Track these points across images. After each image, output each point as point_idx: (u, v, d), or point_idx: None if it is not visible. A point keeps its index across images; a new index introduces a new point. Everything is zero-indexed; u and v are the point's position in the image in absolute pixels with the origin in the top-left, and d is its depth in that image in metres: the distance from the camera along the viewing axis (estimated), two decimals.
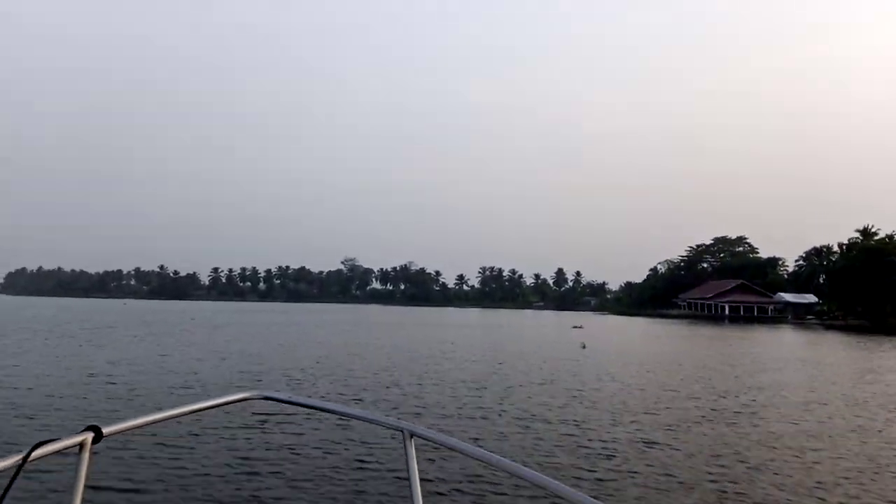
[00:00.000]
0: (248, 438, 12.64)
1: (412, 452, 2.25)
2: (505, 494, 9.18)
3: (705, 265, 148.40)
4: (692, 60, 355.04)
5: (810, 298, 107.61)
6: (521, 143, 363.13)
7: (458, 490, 9.37)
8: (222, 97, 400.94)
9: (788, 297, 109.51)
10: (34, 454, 1.69)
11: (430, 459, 10.53)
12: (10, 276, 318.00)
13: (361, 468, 10.73)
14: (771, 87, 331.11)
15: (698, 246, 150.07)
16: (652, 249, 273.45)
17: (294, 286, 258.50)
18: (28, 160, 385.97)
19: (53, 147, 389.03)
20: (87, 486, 1.83)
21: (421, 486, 2.24)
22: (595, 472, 10.96)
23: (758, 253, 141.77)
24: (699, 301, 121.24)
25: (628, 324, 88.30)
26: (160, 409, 2.16)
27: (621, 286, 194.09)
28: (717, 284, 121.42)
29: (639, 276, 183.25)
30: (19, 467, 1.66)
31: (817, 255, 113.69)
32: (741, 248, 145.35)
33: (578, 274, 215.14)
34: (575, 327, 68.45)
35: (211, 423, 13.35)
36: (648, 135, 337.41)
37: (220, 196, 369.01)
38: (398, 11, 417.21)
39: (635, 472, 10.94)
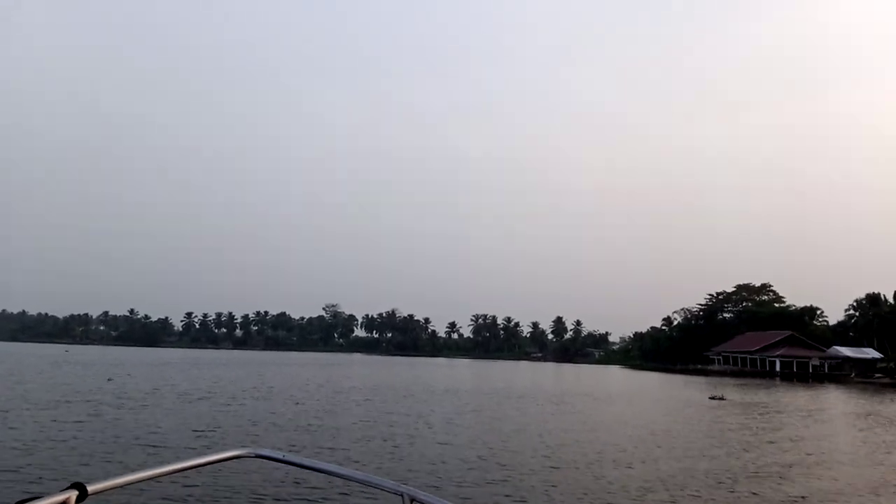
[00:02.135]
0: (239, 499, 12.41)
1: None
2: None
3: (726, 315, 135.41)
4: (661, 117, 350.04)
5: (871, 353, 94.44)
6: (512, 192, 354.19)
7: None
8: (200, 138, 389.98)
9: (846, 351, 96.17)
10: None
11: None
12: None
13: None
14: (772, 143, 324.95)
15: (718, 294, 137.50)
16: (656, 299, 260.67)
17: (273, 333, 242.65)
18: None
19: (18, 185, 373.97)
20: None
21: None
22: None
23: (784, 302, 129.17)
24: (741, 355, 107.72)
25: (684, 385, 68.22)
26: (148, 467, 2.07)
27: (628, 337, 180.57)
28: (757, 336, 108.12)
29: (642, 326, 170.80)
30: None
31: (872, 304, 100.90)
32: (766, 297, 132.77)
33: (579, 323, 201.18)
34: (715, 398, 47.58)
35: (201, 481, 13.00)
36: (638, 188, 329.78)
37: (195, 239, 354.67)
38: (396, 62, 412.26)
39: None
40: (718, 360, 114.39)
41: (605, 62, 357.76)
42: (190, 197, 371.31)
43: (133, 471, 2.02)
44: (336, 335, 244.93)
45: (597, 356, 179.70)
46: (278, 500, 12.48)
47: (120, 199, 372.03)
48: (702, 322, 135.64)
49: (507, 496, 14.20)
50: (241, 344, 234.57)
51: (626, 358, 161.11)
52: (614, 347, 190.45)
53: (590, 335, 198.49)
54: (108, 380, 42.57)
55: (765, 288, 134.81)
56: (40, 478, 13.99)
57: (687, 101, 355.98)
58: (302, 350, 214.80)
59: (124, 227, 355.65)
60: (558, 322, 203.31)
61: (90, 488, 1.82)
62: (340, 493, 12.78)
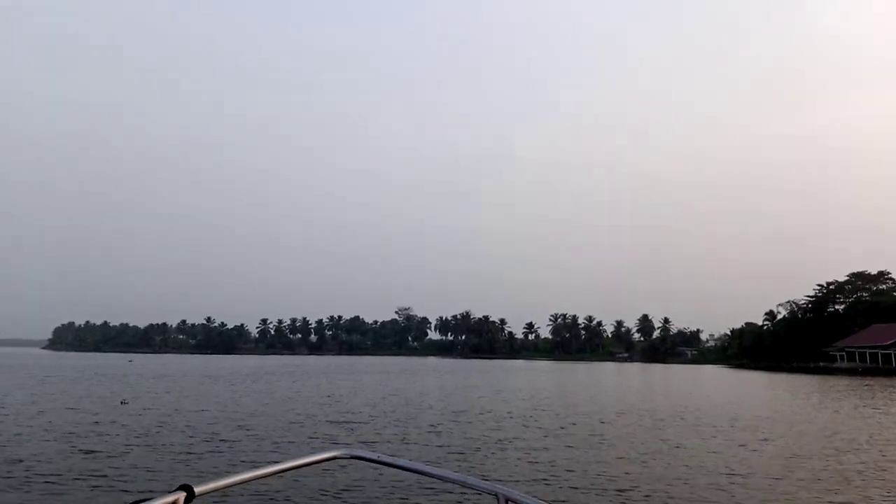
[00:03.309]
0: (338, 499, 12.47)
1: None
2: None
3: (838, 307, 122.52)
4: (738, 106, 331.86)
5: None
6: (589, 187, 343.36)
7: None
8: (277, 150, 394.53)
9: None
10: None
11: None
12: (57, 330, 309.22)
13: None
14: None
15: (829, 284, 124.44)
16: (750, 294, 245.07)
17: (347, 337, 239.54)
18: (77, 213, 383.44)
19: (97, 201, 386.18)
20: None
21: None
22: None
23: None
24: (870, 350, 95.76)
25: (843, 391, 53.23)
26: (251, 468, 2.15)
27: (723, 334, 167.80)
28: (889, 329, 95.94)
29: (735, 323, 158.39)
30: None
31: None
32: (884, 286, 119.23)
33: (667, 321, 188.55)
34: None
35: (300, 481, 13.30)
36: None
37: (269, 246, 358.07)
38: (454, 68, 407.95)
39: None
40: (842, 356, 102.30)
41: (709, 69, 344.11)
42: (265, 209, 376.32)
43: (237, 472, 2.09)
44: (410, 338, 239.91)
45: (689, 356, 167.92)
46: (374, 499, 12.56)
47: (196, 212, 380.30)
48: (810, 315, 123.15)
49: None
50: (315, 349, 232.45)
51: (724, 357, 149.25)
52: (708, 346, 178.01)
53: (679, 333, 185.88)
54: (123, 402, 33.15)
55: (882, 276, 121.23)
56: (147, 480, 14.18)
57: (786, 89, 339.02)
58: (376, 354, 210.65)
59: (199, 238, 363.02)
60: (644, 320, 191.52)
61: (197, 489, 1.89)
62: (435, 494, 12.75)
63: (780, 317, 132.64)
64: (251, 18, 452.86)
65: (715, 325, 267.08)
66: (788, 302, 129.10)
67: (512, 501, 2.15)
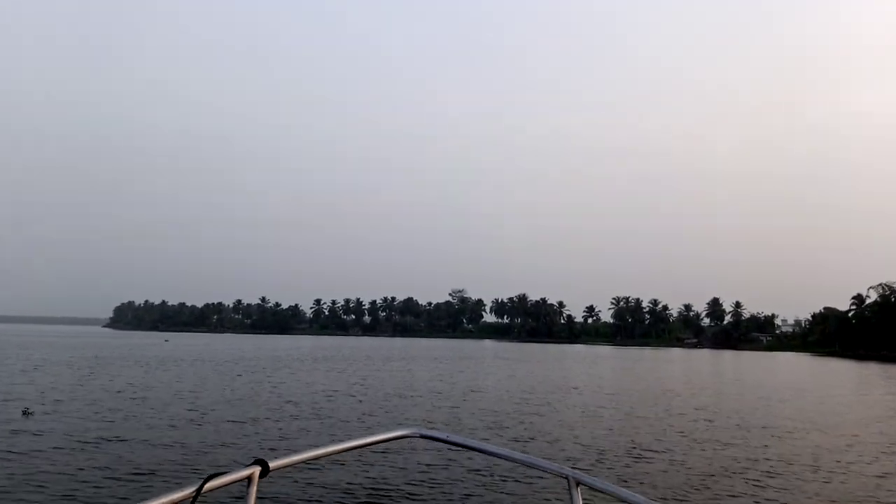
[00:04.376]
0: (407, 477, 12.63)
1: (579, 501, 2.11)
2: None
3: None
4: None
5: None
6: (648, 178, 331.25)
7: None
8: (346, 137, 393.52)
9: None
10: (207, 486, 1.75)
11: None
12: (117, 309, 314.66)
13: None
14: None
15: None
16: (830, 277, 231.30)
17: (400, 319, 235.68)
18: (140, 195, 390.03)
19: (159, 184, 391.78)
20: None
21: None
22: None
23: None
24: None
25: None
26: (322, 445, 2.20)
27: (804, 320, 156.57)
28: None
29: (812, 307, 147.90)
30: (194, 498, 1.74)
31: None
32: None
33: (738, 305, 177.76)
34: None
35: (370, 459, 13.58)
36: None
37: (324, 227, 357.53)
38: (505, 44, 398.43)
39: None
40: None
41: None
42: (321, 192, 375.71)
43: (309, 449, 2.15)
44: (464, 321, 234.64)
45: (764, 342, 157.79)
46: (442, 478, 12.49)
47: (250, 193, 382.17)
48: None
49: None
50: (369, 330, 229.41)
51: (804, 344, 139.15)
52: (785, 331, 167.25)
53: (752, 318, 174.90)
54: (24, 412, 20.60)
55: None
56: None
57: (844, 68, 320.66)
58: (430, 336, 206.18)
59: (254, 219, 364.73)
60: (714, 304, 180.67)
61: (272, 464, 1.93)
62: (504, 474, 12.57)
63: (869, 301, 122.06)
64: None
65: (790, 309, 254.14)
66: (881, 284, 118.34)
67: (583, 484, 2.12)
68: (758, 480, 13.81)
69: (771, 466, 15.19)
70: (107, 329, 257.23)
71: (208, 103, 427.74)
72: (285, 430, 18.74)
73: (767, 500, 12.35)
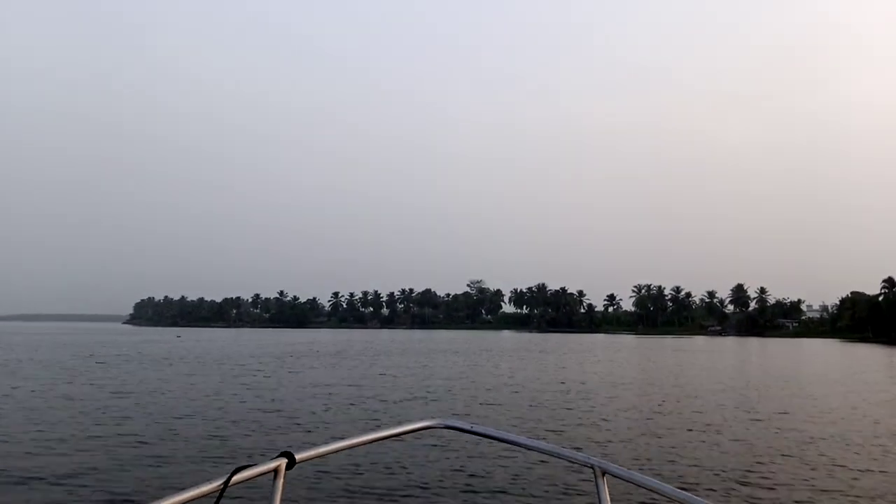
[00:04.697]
0: (432, 467, 12.61)
1: (605, 492, 2.10)
2: None
3: None
4: None
5: None
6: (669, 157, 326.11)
7: None
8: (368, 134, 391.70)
9: None
10: (234, 478, 1.78)
11: (623, 499, 9.19)
12: (137, 305, 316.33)
13: None
14: None
15: None
16: (858, 261, 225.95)
17: (419, 311, 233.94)
18: (158, 194, 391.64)
19: (177, 180, 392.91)
20: None
21: None
22: None
23: None
24: None
25: None
26: (347, 437, 2.22)
27: (832, 305, 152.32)
28: None
29: (841, 292, 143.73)
30: (222, 490, 1.75)
31: None
32: None
33: (763, 291, 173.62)
34: None
35: (395, 449, 13.57)
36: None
37: (340, 220, 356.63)
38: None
39: None
40: None
41: None
42: (340, 186, 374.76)
43: (335, 440, 2.17)
44: (483, 311, 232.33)
45: (791, 328, 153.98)
46: (468, 468, 12.48)
47: (269, 187, 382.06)
48: None
49: None
50: (388, 322, 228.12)
51: (833, 329, 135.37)
52: (812, 317, 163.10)
53: (778, 304, 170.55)
54: None
55: None
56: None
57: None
58: (449, 328, 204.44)
59: (273, 211, 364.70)
60: (739, 290, 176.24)
61: (298, 456, 1.95)
62: (529, 465, 12.52)
63: None
64: None
65: (816, 295, 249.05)
66: None
67: (609, 474, 2.10)
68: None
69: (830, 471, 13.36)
70: (126, 325, 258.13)
71: (228, 93, 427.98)
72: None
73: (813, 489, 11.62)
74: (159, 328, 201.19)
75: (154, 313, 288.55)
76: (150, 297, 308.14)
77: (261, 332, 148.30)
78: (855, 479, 12.30)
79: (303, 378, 33.16)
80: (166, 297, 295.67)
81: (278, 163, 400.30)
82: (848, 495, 11.20)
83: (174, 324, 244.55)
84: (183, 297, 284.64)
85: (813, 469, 13.16)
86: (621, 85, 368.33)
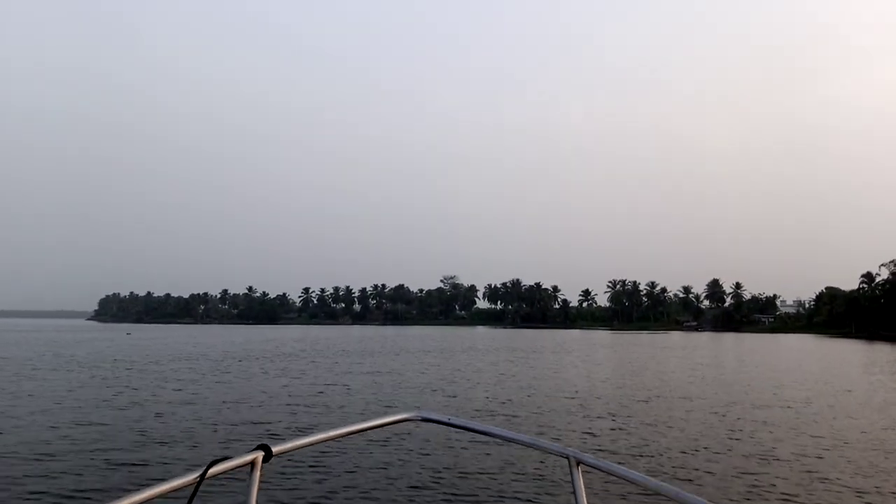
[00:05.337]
0: (409, 460, 12.64)
1: (580, 481, 2.13)
2: None
3: None
4: None
5: None
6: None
7: None
8: (346, 125, 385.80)
9: None
10: (210, 471, 1.77)
11: (597, 488, 9.65)
12: (102, 301, 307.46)
13: (526, 496, 10.17)
14: None
15: None
16: (833, 257, 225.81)
17: (391, 307, 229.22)
18: (122, 188, 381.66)
19: (142, 175, 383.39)
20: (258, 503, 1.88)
21: None
22: None
23: None
24: None
25: None
26: (324, 430, 2.21)
27: (807, 300, 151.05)
28: None
29: (814, 288, 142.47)
30: (198, 483, 1.74)
31: None
32: None
33: (738, 286, 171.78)
34: None
35: (373, 442, 13.60)
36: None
37: (312, 216, 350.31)
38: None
39: None
40: None
41: None
42: (309, 180, 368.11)
43: (312, 433, 2.16)
44: (457, 307, 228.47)
45: (767, 323, 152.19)
46: (445, 461, 12.51)
47: (241, 183, 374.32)
48: None
49: None
50: (359, 318, 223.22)
51: (810, 325, 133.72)
52: (787, 312, 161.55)
53: (754, 299, 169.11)
54: None
55: None
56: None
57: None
58: (423, 324, 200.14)
59: (238, 207, 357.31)
60: (714, 285, 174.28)
61: (275, 449, 1.96)
62: (506, 456, 12.60)
63: (879, 279, 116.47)
64: None
65: (791, 290, 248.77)
66: (893, 262, 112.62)
67: (584, 464, 2.13)
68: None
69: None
70: (91, 322, 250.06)
71: (197, 88, 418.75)
72: None
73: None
74: (116, 324, 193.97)
75: (119, 309, 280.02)
76: (115, 293, 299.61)
77: (226, 329, 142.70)
78: (819, 458, 12.64)
79: (203, 393, 24.75)
80: (132, 292, 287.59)
81: (253, 157, 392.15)
82: (812, 481, 11.37)
83: (139, 320, 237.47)
84: (149, 292, 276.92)
85: (781, 461, 13.12)
86: (602, 87, 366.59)
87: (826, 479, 11.62)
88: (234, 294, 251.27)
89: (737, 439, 15.43)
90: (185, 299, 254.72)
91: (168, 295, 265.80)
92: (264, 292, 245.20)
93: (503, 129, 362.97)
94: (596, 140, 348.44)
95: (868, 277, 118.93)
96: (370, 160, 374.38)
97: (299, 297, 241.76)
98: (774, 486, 11.08)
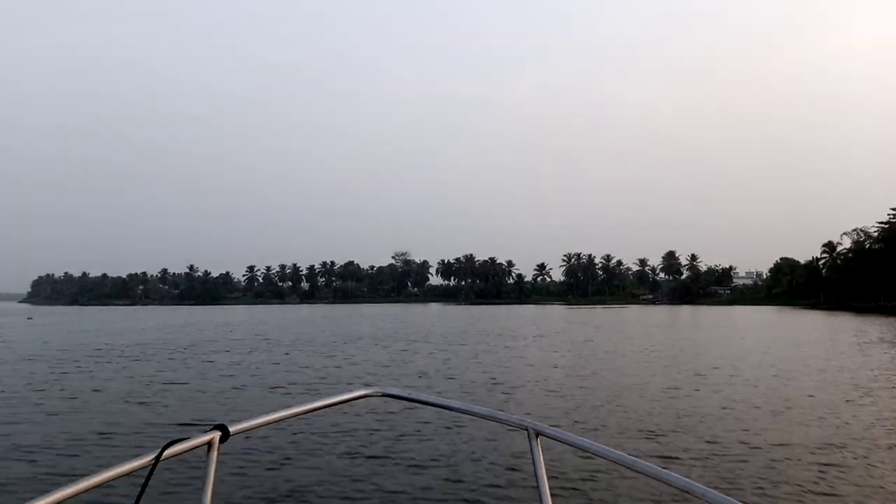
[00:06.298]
0: (370, 436, 12.46)
1: (538, 452, 2.16)
2: (640, 499, 8.42)
3: None
4: None
5: None
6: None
7: (583, 489, 8.83)
8: (276, 96, 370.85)
9: None
10: (166, 453, 1.74)
11: (556, 459, 9.71)
12: (35, 283, 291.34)
13: (486, 467, 10.23)
14: None
15: None
16: (790, 227, 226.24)
17: (341, 284, 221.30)
18: (51, 167, 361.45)
19: (74, 150, 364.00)
20: (216, 483, 1.85)
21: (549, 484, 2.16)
22: None
23: None
24: None
25: None
26: (283, 408, 2.17)
27: (763, 272, 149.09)
28: None
29: (770, 259, 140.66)
30: (153, 466, 1.70)
31: None
32: None
33: (694, 258, 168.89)
34: None
35: (333, 420, 13.36)
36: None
37: (255, 190, 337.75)
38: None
39: None
40: None
41: None
42: (251, 151, 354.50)
43: (269, 412, 2.12)
44: (409, 284, 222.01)
45: (724, 295, 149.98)
46: (406, 435, 12.43)
47: (177, 154, 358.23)
48: (880, 246, 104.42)
49: None
50: (308, 297, 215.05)
51: (769, 296, 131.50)
52: (744, 283, 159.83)
53: (710, 271, 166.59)
54: None
55: None
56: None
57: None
58: (374, 302, 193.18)
59: (178, 180, 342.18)
60: (670, 257, 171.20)
61: (232, 429, 1.92)
62: (467, 430, 12.64)
63: (840, 249, 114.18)
64: None
65: (746, 262, 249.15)
66: (855, 230, 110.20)
67: (542, 435, 2.16)
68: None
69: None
70: (23, 305, 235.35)
71: (140, 67, 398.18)
72: None
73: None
74: (49, 307, 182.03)
75: (53, 291, 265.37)
76: (48, 274, 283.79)
77: (158, 311, 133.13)
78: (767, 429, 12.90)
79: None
80: (66, 273, 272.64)
81: (188, 132, 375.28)
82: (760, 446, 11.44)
83: (74, 302, 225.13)
84: (85, 273, 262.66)
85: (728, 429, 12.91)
86: (560, 57, 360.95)
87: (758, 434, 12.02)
88: (174, 273, 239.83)
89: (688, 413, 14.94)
90: (123, 279, 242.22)
91: (105, 275, 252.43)
92: (206, 271, 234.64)
93: (458, 100, 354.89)
94: (552, 111, 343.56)
95: (829, 247, 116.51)
96: (316, 133, 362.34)
97: (244, 275, 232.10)
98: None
